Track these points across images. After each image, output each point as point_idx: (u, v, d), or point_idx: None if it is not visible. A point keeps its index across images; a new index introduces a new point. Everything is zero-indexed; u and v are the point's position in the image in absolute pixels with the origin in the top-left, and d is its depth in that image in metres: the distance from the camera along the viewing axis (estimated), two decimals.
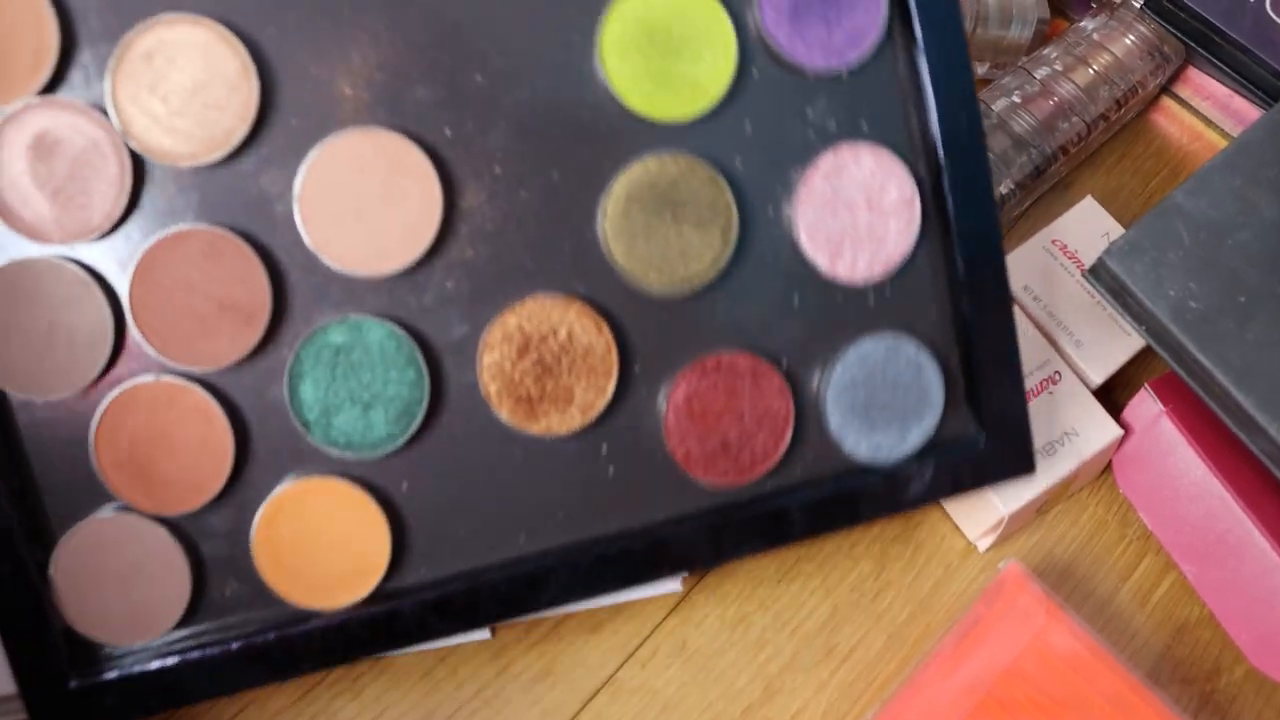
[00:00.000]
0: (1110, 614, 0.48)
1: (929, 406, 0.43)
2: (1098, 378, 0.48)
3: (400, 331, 0.39)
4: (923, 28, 0.41)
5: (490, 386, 0.40)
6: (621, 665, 0.45)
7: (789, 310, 0.42)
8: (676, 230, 0.40)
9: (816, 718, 0.45)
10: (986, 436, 0.43)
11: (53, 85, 0.38)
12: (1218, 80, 0.59)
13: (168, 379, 0.39)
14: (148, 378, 0.39)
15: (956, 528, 0.49)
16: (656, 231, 0.40)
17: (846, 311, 0.42)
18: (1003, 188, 0.51)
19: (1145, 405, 0.48)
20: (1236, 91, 0.59)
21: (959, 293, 0.42)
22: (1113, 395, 0.50)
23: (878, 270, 0.42)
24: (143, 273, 0.38)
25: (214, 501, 0.40)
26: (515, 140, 0.40)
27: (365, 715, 0.44)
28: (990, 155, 0.51)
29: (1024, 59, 0.57)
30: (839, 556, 0.48)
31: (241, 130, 0.38)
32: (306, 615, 0.40)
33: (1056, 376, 0.48)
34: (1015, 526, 0.48)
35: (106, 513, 0.40)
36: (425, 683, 0.44)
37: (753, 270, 0.42)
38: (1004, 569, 0.45)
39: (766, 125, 0.41)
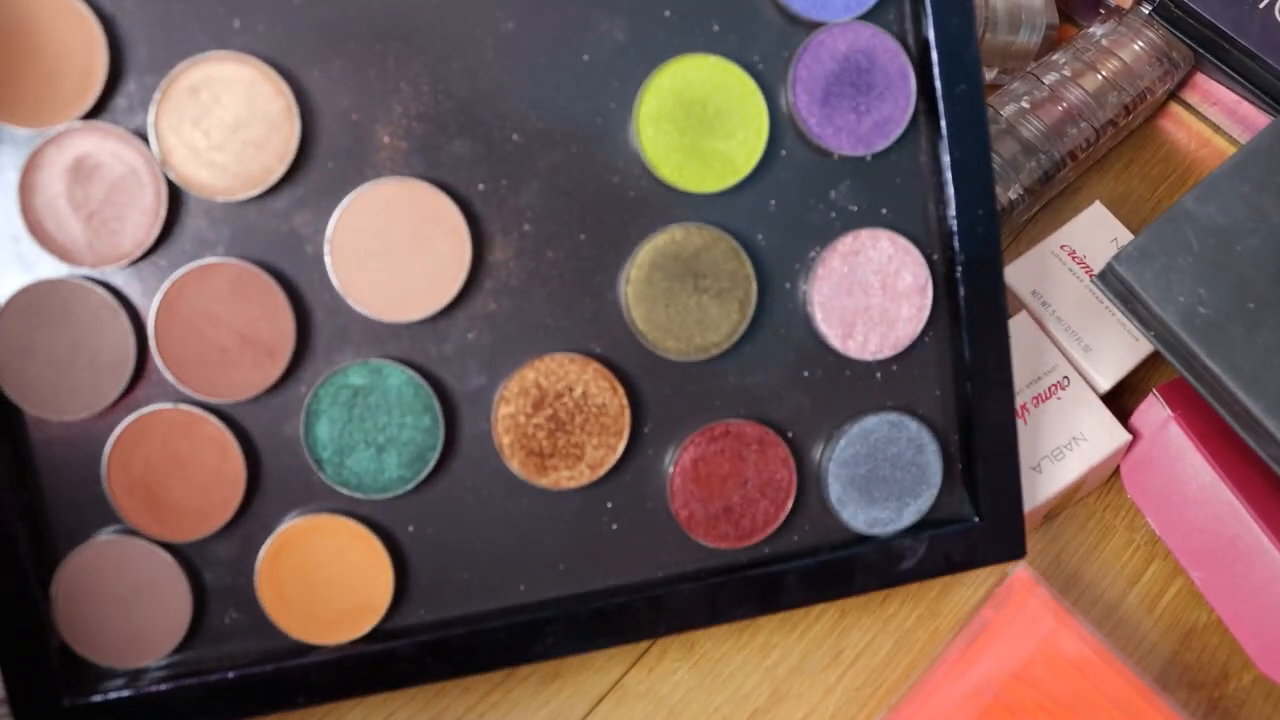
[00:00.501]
0: (1118, 619, 0.48)
1: (927, 485, 0.44)
2: (1106, 383, 0.48)
3: (419, 379, 0.40)
4: (948, 122, 0.42)
5: (504, 438, 0.41)
6: (629, 669, 0.45)
7: (799, 383, 0.43)
8: (697, 299, 0.41)
9: None
10: (980, 518, 0.44)
11: (96, 111, 0.38)
12: (1226, 86, 0.59)
13: (185, 407, 0.39)
14: (165, 405, 0.39)
15: None
16: (677, 299, 0.41)
17: (854, 388, 0.44)
18: (1011, 193, 0.51)
19: (1153, 410, 0.48)
20: (1244, 98, 0.59)
21: (963, 378, 0.44)
22: (1121, 400, 0.50)
23: (886, 351, 0.43)
24: (169, 302, 0.39)
25: (221, 531, 0.40)
26: (546, 200, 0.41)
27: (373, 718, 0.44)
28: (998, 159, 0.51)
29: (1033, 64, 0.57)
30: None
31: (279, 169, 0.39)
32: (305, 649, 0.41)
33: (1065, 381, 0.48)
34: None
35: (112, 534, 0.40)
36: (431, 687, 0.44)
37: (767, 342, 0.43)
38: (1012, 574, 0.45)
39: (790, 203, 0.42)
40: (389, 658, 0.41)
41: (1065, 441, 0.47)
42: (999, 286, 0.43)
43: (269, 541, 0.40)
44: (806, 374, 0.43)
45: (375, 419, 0.40)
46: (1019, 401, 0.47)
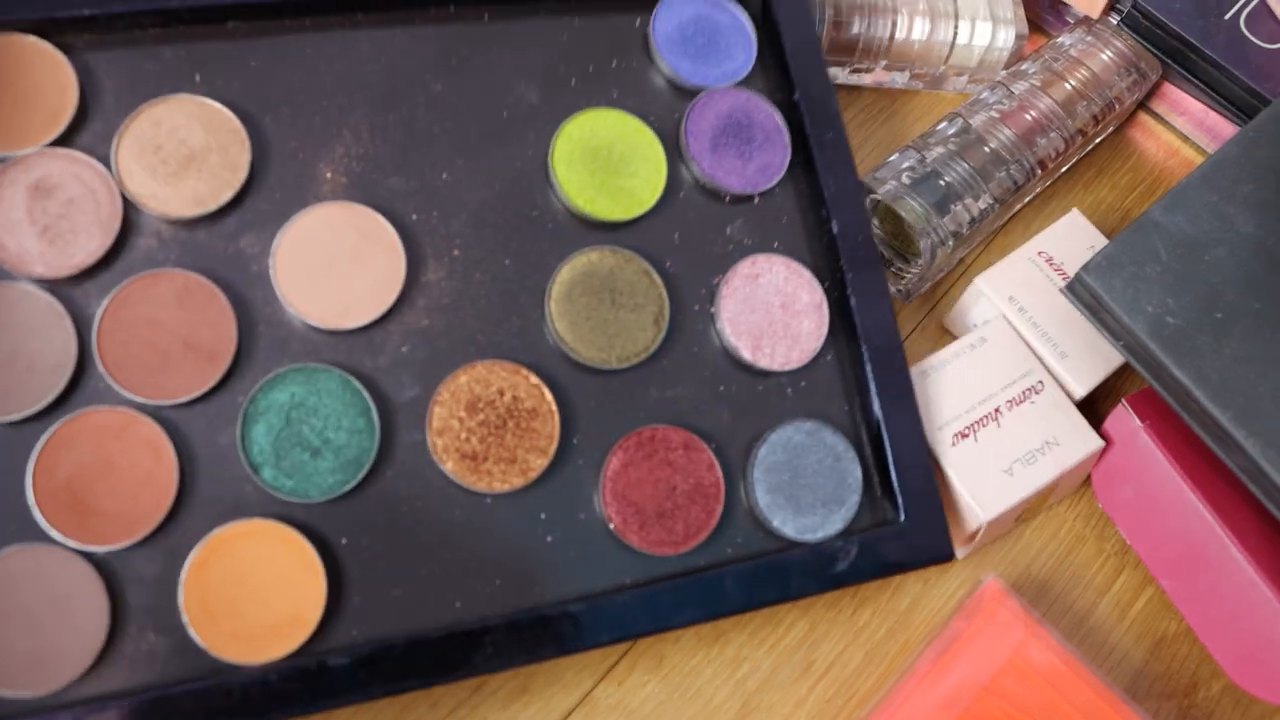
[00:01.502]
0: (1089, 628, 0.48)
1: (849, 491, 0.45)
2: (1082, 389, 0.48)
3: (355, 382, 0.42)
4: (820, 165, 0.49)
5: (437, 440, 0.42)
6: (598, 683, 0.45)
7: (717, 394, 0.46)
8: (615, 313, 0.45)
9: None
10: (905, 522, 0.45)
11: (63, 140, 0.42)
12: (1194, 97, 0.59)
13: (121, 409, 0.40)
14: (100, 406, 0.40)
15: None
16: (596, 313, 0.45)
17: (769, 401, 0.47)
18: (981, 202, 0.51)
19: (1123, 420, 0.48)
20: (1212, 108, 0.59)
21: (865, 390, 0.47)
22: (1097, 407, 0.50)
23: (794, 362, 0.47)
24: (116, 306, 0.40)
25: (149, 538, 0.40)
26: (474, 230, 0.46)
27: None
28: (968, 168, 0.51)
29: (1002, 74, 0.57)
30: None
31: (228, 195, 0.43)
32: (229, 669, 0.39)
33: (1039, 386, 0.48)
34: (993, 535, 0.48)
35: (32, 542, 0.39)
36: (400, 701, 0.44)
37: (683, 355, 0.46)
38: (983, 584, 0.45)
39: (692, 237, 0.48)
40: (319, 675, 0.39)
41: (1038, 445, 0.47)
42: (886, 303, 0.47)
43: (200, 545, 0.40)
44: (723, 388, 0.46)
45: (311, 423, 0.41)
46: (994, 404, 0.47)
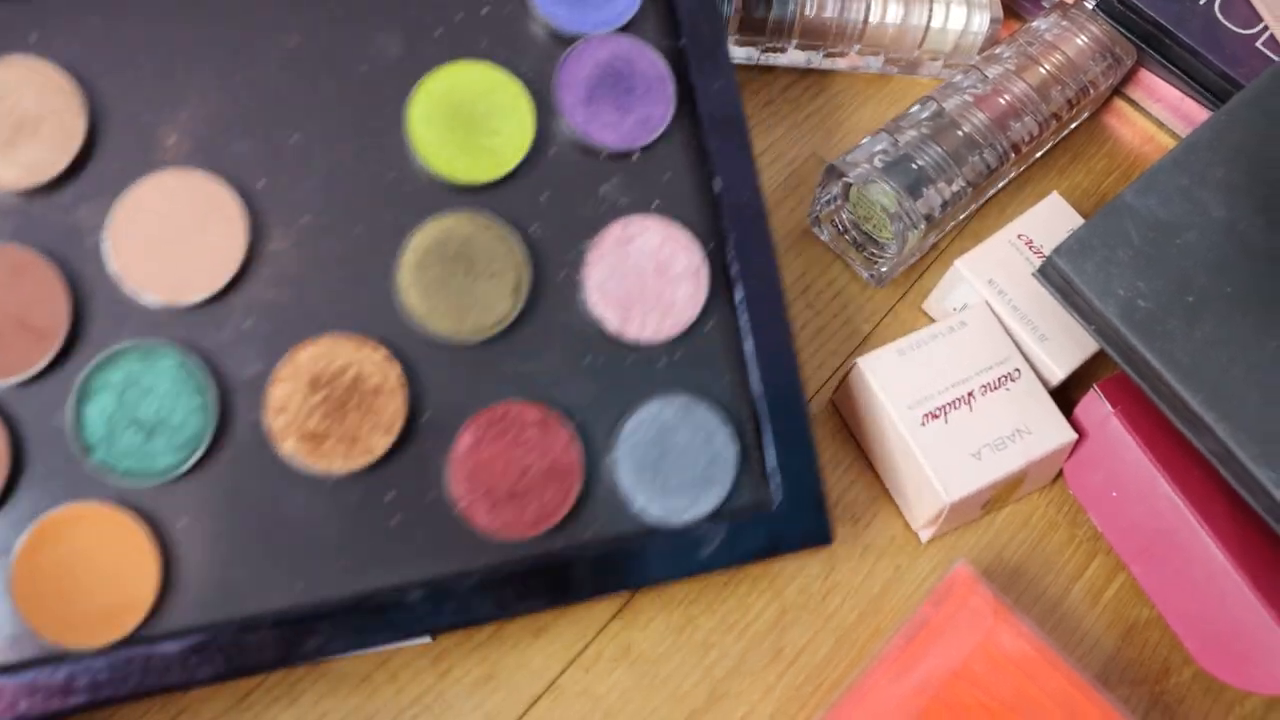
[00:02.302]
0: (1060, 615, 0.48)
1: (722, 471, 0.43)
2: (1061, 373, 0.48)
3: (192, 361, 0.40)
4: (705, 116, 0.46)
5: (276, 421, 0.41)
6: (565, 670, 0.44)
7: (581, 368, 0.44)
8: (470, 283, 0.42)
9: None
10: (782, 505, 0.43)
11: None
12: (1169, 82, 0.59)
13: None
14: None
15: (907, 528, 0.48)
16: (450, 283, 0.42)
17: (638, 372, 0.44)
18: (954, 186, 0.51)
19: (1094, 406, 0.47)
20: (1187, 94, 0.59)
21: (748, 362, 0.44)
22: (1073, 396, 0.50)
23: (666, 332, 0.44)
24: None
25: None
26: (324, 194, 0.43)
27: (306, 718, 0.43)
28: (941, 152, 0.50)
29: (976, 58, 0.57)
30: (787, 557, 0.47)
31: (64, 163, 0.41)
32: (59, 655, 0.38)
33: (1015, 374, 0.47)
34: (959, 519, 0.47)
35: None
36: (364, 687, 0.43)
37: (544, 326, 0.44)
38: (952, 570, 0.45)
39: (563, 197, 0.45)
40: (150, 661, 0.38)
41: (1009, 433, 0.46)
42: (772, 269, 0.45)
43: (28, 531, 0.38)
44: (588, 359, 0.44)
45: (146, 403, 0.40)
46: (967, 388, 0.47)
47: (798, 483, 0.43)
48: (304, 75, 0.44)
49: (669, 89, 0.46)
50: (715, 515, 0.43)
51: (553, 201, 0.45)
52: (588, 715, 0.43)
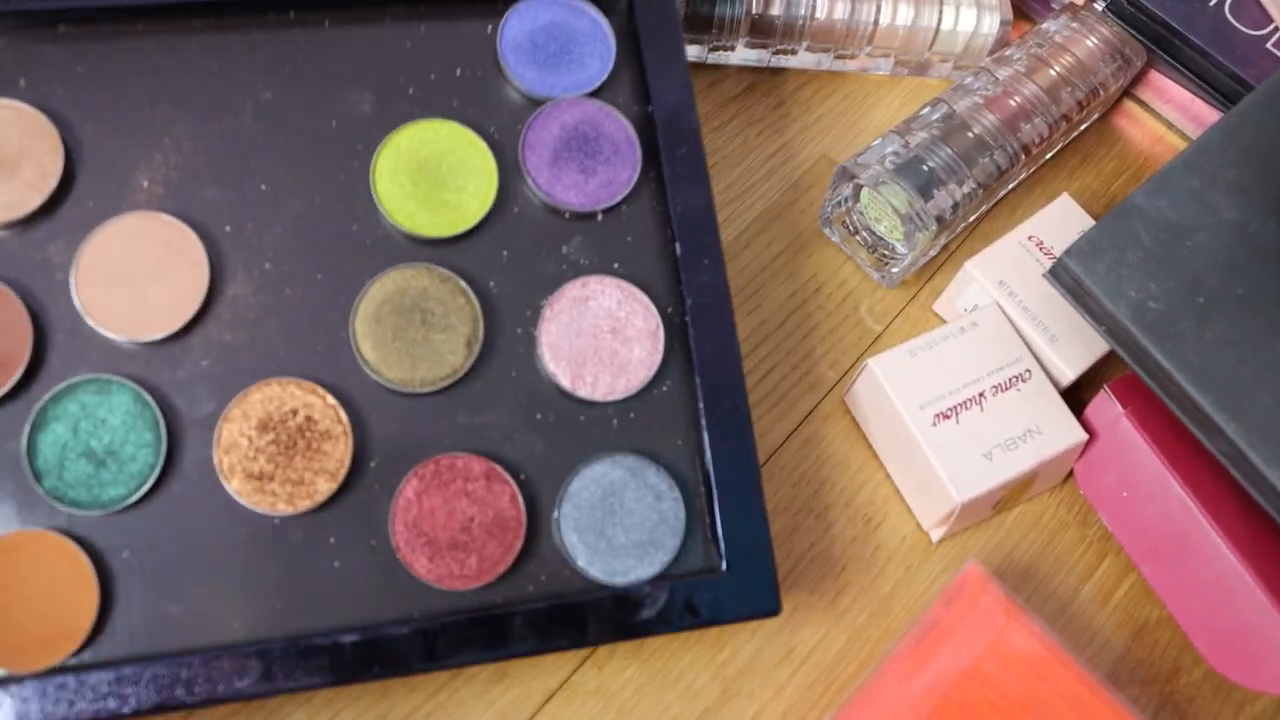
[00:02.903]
0: (1071, 615, 0.48)
1: (669, 534, 0.43)
2: (1071, 373, 0.48)
3: (147, 396, 0.41)
4: (670, 180, 0.46)
5: (224, 459, 0.41)
6: (578, 668, 0.45)
7: (531, 424, 0.44)
8: (424, 334, 0.43)
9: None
10: (729, 571, 0.42)
11: None
12: (1178, 84, 0.59)
13: None
14: None
15: (918, 528, 0.49)
16: (404, 333, 0.43)
17: (589, 433, 0.44)
18: (965, 187, 0.51)
19: (1105, 407, 0.48)
20: (1197, 95, 0.59)
21: (701, 425, 0.44)
22: (1083, 397, 0.50)
23: (619, 392, 0.44)
24: None
25: None
26: (289, 243, 0.44)
27: (318, 717, 0.43)
28: (951, 154, 0.51)
29: (986, 59, 0.57)
30: (801, 557, 0.47)
31: (38, 201, 0.42)
32: None
33: (1026, 375, 0.48)
34: (970, 519, 0.48)
35: None
36: (378, 686, 0.43)
37: (497, 382, 0.44)
38: (963, 570, 0.45)
39: (524, 255, 0.46)
40: (78, 689, 0.38)
41: (1020, 433, 0.46)
42: (730, 335, 0.45)
43: None
44: (539, 416, 0.44)
45: (99, 435, 0.41)
46: (979, 389, 0.47)
47: (747, 551, 0.43)
48: (276, 128, 0.45)
49: (636, 153, 0.47)
50: (659, 579, 0.42)
51: (513, 259, 0.45)
52: (600, 713, 0.44)
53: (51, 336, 0.42)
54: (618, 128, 0.47)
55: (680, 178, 0.46)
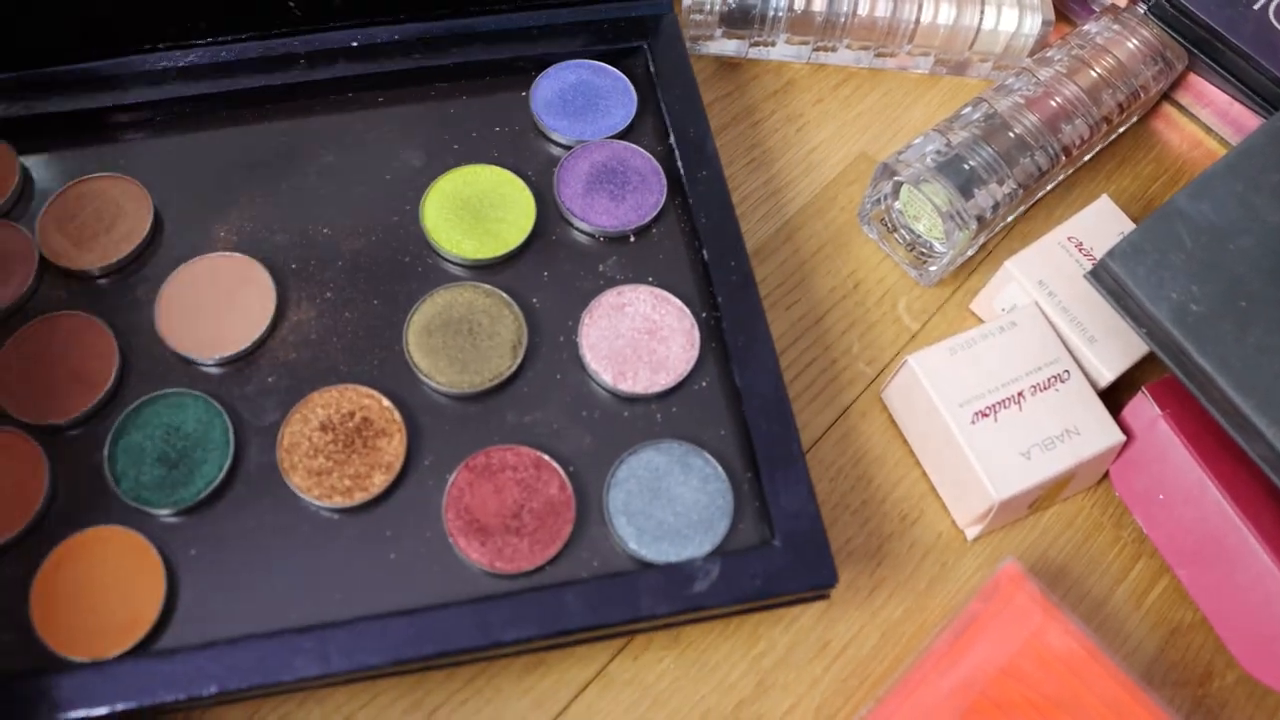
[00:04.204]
0: (1104, 616, 0.48)
1: (718, 515, 0.44)
2: (1110, 374, 0.48)
3: (218, 407, 0.46)
4: (694, 199, 0.50)
5: (286, 458, 0.45)
6: (614, 657, 0.45)
7: (578, 420, 0.46)
8: (471, 342, 0.47)
9: (810, 713, 0.44)
10: (781, 549, 0.43)
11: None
12: (1219, 87, 0.59)
13: (8, 428, 0.44)
14: None
15: (953, 525, 0.49)
16: (453, 343, 0.47)
17: (634, 425, 0.46)
18: (1006, 187, 0.51)
19: (1143, 408, 0.48)
20: (1236, 99, 0.59)
21: (742, 414, 0.46)
22: (1119, 399, 0.50)
23: (659, 385, 0.46)
24: (17, 341, 0.46)
25: (11, 543, 0.43)
26: (348, 274, 0.49)
27: (354, 703, 0.43)
28: (993, 153, 0.51)
29: (1027, 60, 0.57)
30: (837, 552, 0.47)
31: (127, 250, 0.49)
32: (66, 663, 0.40)
33: (1065, 375, 0.48)
34: (1006, 518, 0.48)
35: None
36: (415, 673, 0.44)
37: (542, 383, 0.47)
38: (1001, 567, 0.45)
39: (563, 274, 0.50)
40: (144, 676, 0.40)
41: (1058, 433, 0.46)
42: (762, 327, 0.47)
43: (55, 549, 0.42)
44: (585, 413, 0.47)
45: (173, 442, 0.45)
46: (1017, 388, 0.47)
47: (798, 526, 0.43)
48: (337, 184, 0.52)
49: (661, 180, 0.51)
50: (709, 555, 0.43)
51: (553, 277, 0.50)
52: (636, 702, 0.44)
53: (135, 359, 0.47)
54: (643, 161, 0.52)
55: (703, 195, 0.50)
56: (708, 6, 0.56)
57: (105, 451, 0.44)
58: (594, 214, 0.50)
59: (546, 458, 0.45)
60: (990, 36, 0.58)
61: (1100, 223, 0.52)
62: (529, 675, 0.44)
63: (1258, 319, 0.44)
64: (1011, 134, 0.52)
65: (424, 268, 0.49)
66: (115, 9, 0.51)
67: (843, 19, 0.56)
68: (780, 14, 0.56)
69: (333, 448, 0.44)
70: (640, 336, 0.47)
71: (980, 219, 0.50)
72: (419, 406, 0.46)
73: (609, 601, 0.42)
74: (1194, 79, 0.60)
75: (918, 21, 0.57)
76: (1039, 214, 0.57)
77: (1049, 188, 0.56)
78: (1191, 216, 0.46)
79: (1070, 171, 0.57)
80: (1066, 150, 0.53)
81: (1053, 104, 0.53)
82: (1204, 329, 0.44)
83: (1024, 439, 0.46)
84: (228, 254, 0.49)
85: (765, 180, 0.56)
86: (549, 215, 0.51)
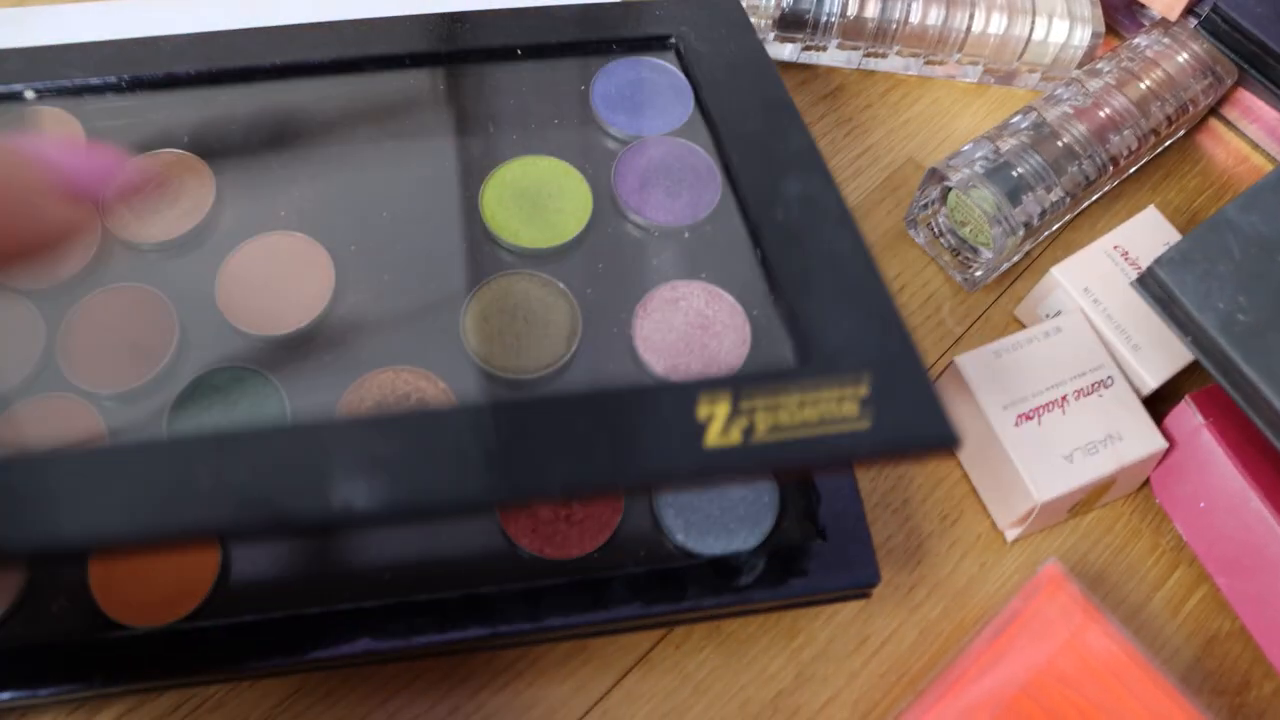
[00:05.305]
0: (1140, 622, 0.48)
1: (765, 511, 0.44)
2: (1154, 382, 0.49)
3: (275, 382, 0.46)
4: (749, 201, 0.48)
5: None
6: (656, 645, 0.45)
7: None
8: (527, 329, 0.47)
9: (848, 707, 0.45)
10: (825, 547, 0.44)
11: None
12: (1268, 103, 0.59)
13: (71, 396, 0.45)
14: (48, 394, 0.45)
15: (993, 526, 0.49)
16: (509, 329, 0.47)
17: None
18: (1053, 195, 0.51)
19: (1185, 417, 0.48)
20: None
21: None
22: (1162, 408, 0.50)
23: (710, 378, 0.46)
24: (82, 313, 0.47)
25: None
26: (406, 259, 0.49)
27: (397, 681, 0.44)
28: (1041, 161, 0.51)
29: (1077, 71, 0.57)
30: (877, 549, 0.48)
31: (189, 226, 0.49)
32: (121, 629, 0.42)
33: (1109, 381, 0.48)
34: (1046, 520, 0.48)
35: None
36: (456, 657, 0.44)
37: (594, 370, 0.47)
38: (1042, 567, 0.45)
39: (617, 267, 0.50)
40: (202, 643, 0.41)
41: (1101, 438, 0.47)
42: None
43: None
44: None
45: (230, 414, 0.45)
46: (1061, 392, 0.47)
47: (843, 525, 0.44)
48: (398, 170, 0.52)
49: (717, 179, 0.51)
50: (756, 551, 0.44)
51: (608, 270, 0.49)
52: (678, 689, 0.45)
53: (194, 333, 0.47)
54: (699, 159, 0.52)
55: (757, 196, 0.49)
56: (762, 9, 0.57)
57: (164, 425, 0.44)
58: (650, 209, 0.50)
59: None
60: (1040, 48, 0.58)
61: (1147, 233, 0.52)
62: (571, 660, 0.45)
63: None
64: (1060, 143, 0.52)
65: (481, 255, 0.50)
66: None
67: (894, 26, 0.57)
68: (833, 19, 0.57)
69: None
70: (693, 331, 0.47)
71: (1027, 225, 0.51)
72: (474, 389, 0.46)
73: (656, 591, 0.42)
74: (1242, 94, 0.60)
75: (968, 30, 0.57)
76: (1083, 224, 0.58)
77: (1095, 198, 0.56)
78: (1241, 228, 0.46)
79: (1116, 183, 0.57)
80: (1114, 160, 0.54)
81: (1101, 115, 0.54)
82: (1251, 339, 0.44)
83: (1067, 442, 0.47)
84: (289, 233, 0.49)
85: None
86: (605, 208, 0.51)
